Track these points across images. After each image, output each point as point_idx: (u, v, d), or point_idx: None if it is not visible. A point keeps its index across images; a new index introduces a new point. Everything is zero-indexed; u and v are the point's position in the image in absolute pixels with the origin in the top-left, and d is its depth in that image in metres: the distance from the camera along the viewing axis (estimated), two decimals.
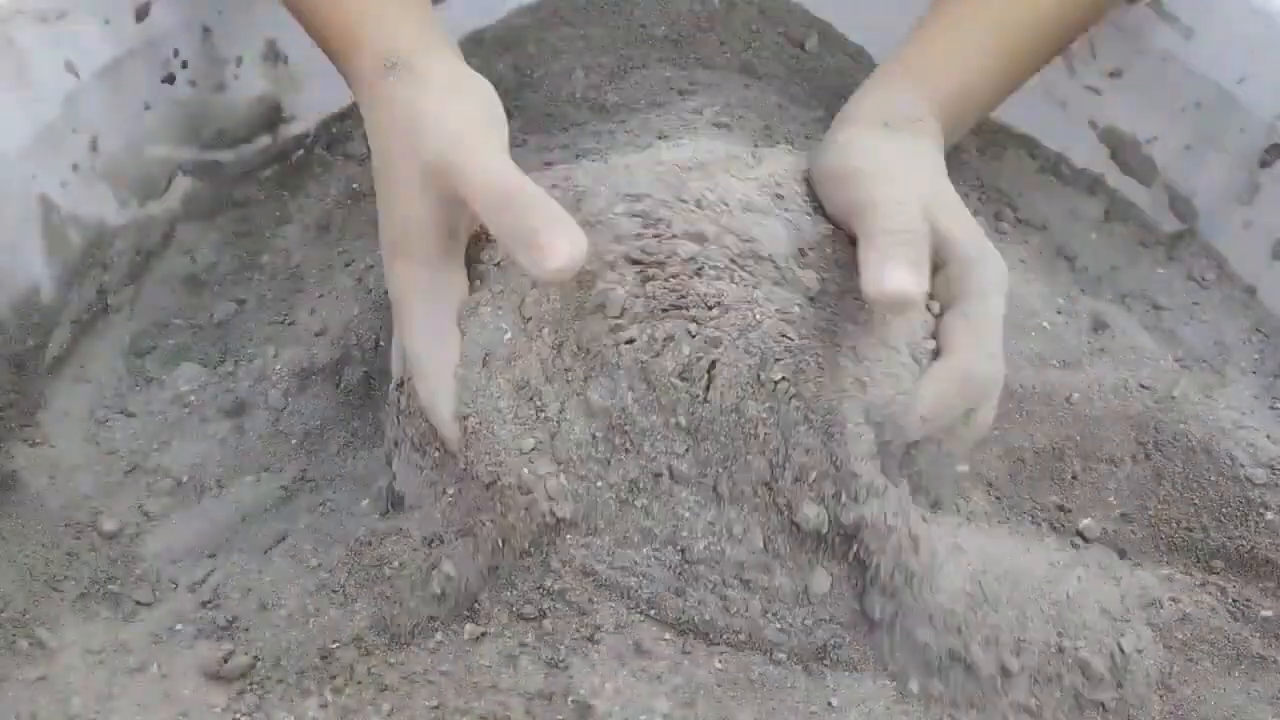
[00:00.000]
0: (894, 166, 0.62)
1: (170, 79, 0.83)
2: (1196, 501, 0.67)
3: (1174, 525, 0.67)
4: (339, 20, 0.67)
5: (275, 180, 0.92)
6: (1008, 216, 0.90)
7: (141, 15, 0.79)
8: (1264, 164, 0.82)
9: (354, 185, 0.91)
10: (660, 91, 0.91)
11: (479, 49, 0.98)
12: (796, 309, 0.59)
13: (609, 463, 0.58)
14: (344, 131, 0.95)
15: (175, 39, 0.82)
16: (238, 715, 0.56)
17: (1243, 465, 0.67)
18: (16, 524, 0.65)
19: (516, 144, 0.77)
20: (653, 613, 0.59)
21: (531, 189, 0.54)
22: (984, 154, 0.94)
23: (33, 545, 0.64)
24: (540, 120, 0.92)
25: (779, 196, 0.63)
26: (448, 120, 0.59)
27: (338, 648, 0.58)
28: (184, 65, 0.83)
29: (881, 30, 1.00)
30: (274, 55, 0.90)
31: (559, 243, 0.51)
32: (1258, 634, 0.63)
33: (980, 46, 0.71)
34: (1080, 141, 0.93)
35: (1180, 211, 0.88)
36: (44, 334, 0.73)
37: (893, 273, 0.54)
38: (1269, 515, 0.65)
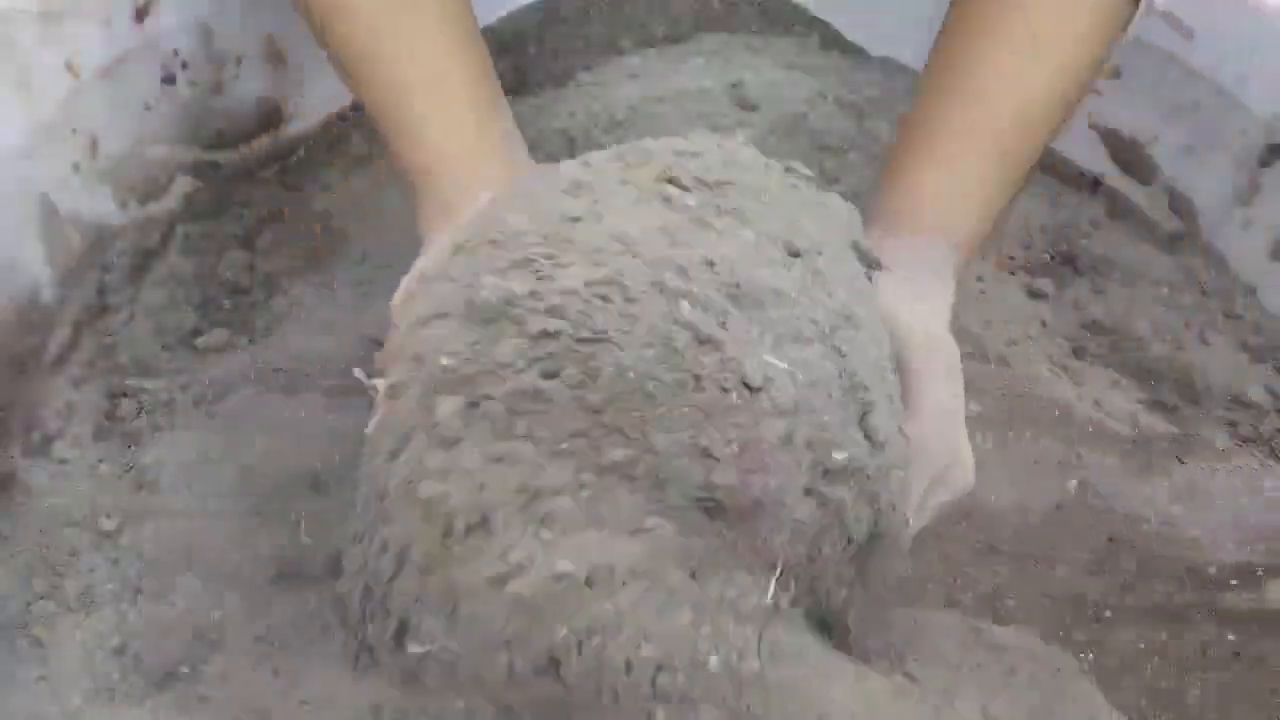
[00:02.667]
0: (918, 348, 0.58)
1: (170, 79, 0.83)
2: None
3: None
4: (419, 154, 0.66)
5: (275, 180, 0.92)
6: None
7: (141, 15, 0.79)
8: (1264, 164, 0.82)
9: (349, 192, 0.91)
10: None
11: None
12: None
13: None
14: (344, 131, 0.95)
15: (175, 39, 0.82)
16: None
17: None
18: (16, 524, 0.65)
19: None
20: None
21: None
22: None
23: (32, 545, 0.64)
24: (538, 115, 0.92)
25: None
26: None
27: None
28: (184, 65, 0.83)
29: (881, 30, 1.00)
30: (274, 55, 0.90)
31: None
32: None
33: (985, 175, 0.63)
34: (1080, 141, 0.93)
35: (1180, 211, 0.88)
36: (44, 334, 0.73)
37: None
38: None
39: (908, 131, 0.66)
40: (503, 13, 1.00)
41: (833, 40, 1.03)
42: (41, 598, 0.61)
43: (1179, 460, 0.73)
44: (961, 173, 0.63)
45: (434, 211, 0.64)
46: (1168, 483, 0.72)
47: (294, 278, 0.84)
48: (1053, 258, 0.88)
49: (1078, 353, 0.81)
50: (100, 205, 0.78)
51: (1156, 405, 0.78)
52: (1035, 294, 0.85)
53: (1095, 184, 0.93)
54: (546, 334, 0.46)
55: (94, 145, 0.77)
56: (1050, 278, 0.86)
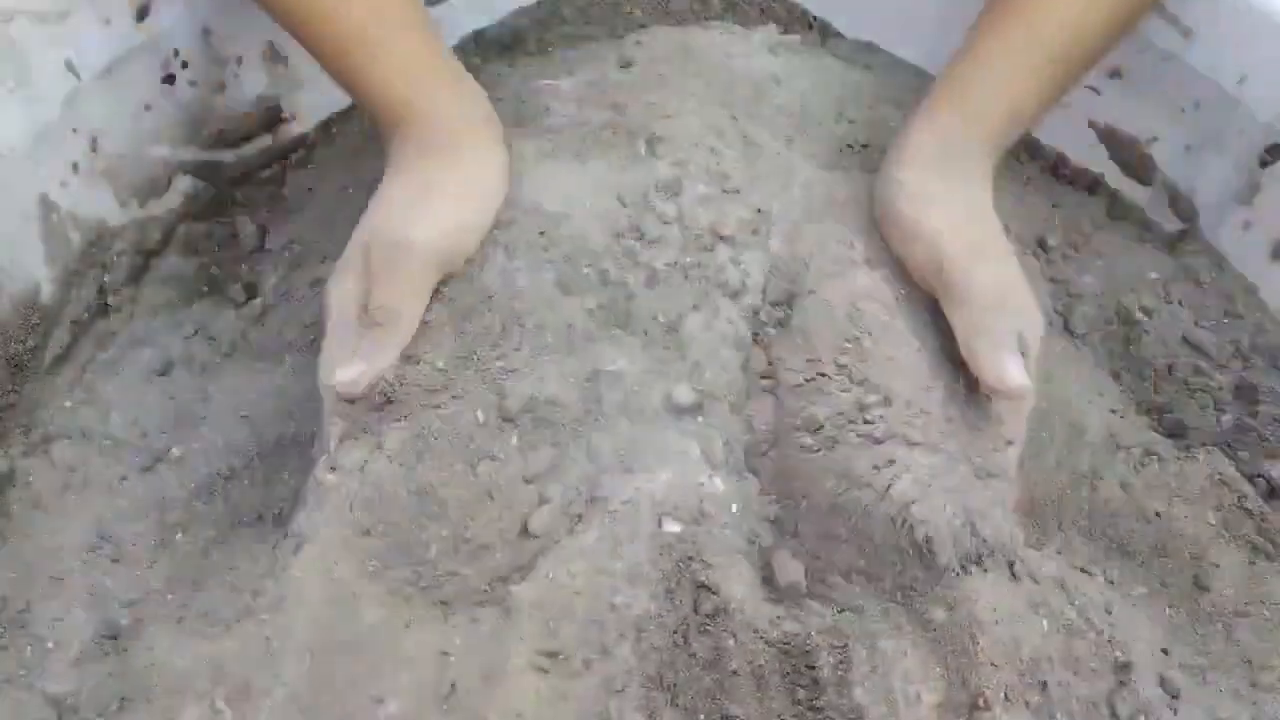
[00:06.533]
0: (966, 227, 0.67)
1: (170, 79, 0.83)
2: None
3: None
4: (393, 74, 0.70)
5: (275, 180, 0.92)
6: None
7: (141, 15, 0.79)
8: (1264, 164, 0.82)
9: (349, 189, 0.91)
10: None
11: (479, 49, 0.98)
12: None
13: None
14: (344, 131, 0.95)
15: (175, 39, 0.82)
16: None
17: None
18: (16, 523, 0.65)
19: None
20: None
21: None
22: None
23: (32, 545, 0.64)
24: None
25: None
26: (445, 235, 0.66)
27: None
28: (184, 65, 0.84)
29: (882, 30, 1.00)
30: (274, 55, 0.90)
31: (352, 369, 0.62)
32: None
33: (1027, 69, 0.71)
34: (1080, 141, 0.93)
35: (1180, 211, 0.88)
36: (44, 334, 0.73)
37: (1014, 369, 0.61)
38: None
39: (967, 32, 0.74)
40: (503, 13, 1.00)
41: (833, 40, 1.03)
42: (42, 598, 0.61)
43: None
44: (994, 68, 0.71)
45: (409, 143, 0.68)
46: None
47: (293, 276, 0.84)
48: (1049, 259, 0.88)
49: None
50: (100, 205, 0.78)
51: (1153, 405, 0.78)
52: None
53: (1095, 184, 0.92)
54: None
55: (94, 145, 0.77)
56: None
